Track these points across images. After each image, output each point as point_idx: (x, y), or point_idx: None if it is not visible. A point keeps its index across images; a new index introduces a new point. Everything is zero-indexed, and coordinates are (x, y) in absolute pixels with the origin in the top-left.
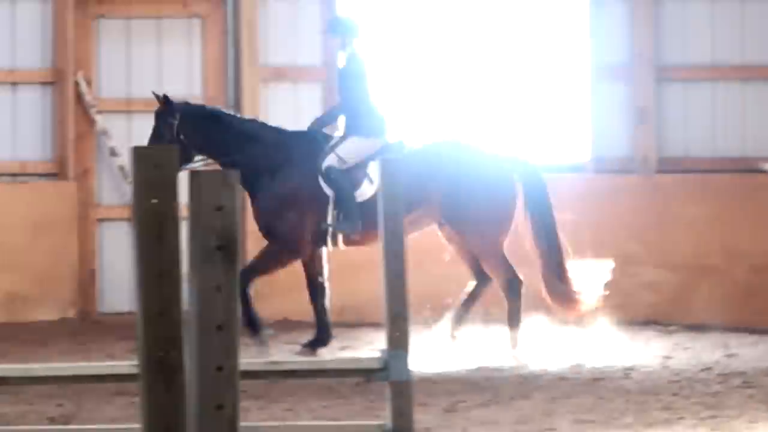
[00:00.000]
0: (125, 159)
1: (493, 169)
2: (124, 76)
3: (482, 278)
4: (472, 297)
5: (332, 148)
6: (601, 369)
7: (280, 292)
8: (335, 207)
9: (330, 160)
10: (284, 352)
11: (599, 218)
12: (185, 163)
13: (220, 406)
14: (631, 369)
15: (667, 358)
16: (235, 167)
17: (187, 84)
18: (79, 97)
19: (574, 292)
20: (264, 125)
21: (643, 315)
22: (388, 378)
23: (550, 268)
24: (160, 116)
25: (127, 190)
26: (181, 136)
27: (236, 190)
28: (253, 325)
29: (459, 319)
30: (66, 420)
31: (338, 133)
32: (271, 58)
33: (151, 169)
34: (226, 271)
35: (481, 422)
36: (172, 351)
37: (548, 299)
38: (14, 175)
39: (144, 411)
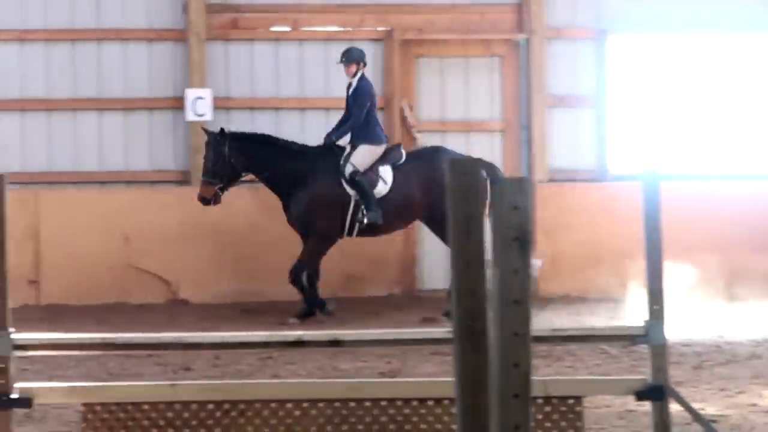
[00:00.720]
0: None
1: None
2: (438, 103)
3: None
4: None
5: (347, 158)
6: None
7: (566, 272)
8: (361, 203)
9: (348, 168)
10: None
11: None
12: (234, 180)
13: (517, 364)
14: None
15: None
16: (273, 179)
17: (489, 110)
18: (403, 119)
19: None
20: (293, 143)
21: None
22: (649, 342)
23: None
24: (212, 144)
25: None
26: (232, 159)
27: (529, 193)
28: (313, 305)
29: None
30: (393, 374)
31: (348, 143)
32: (555, 88)
33: (462, 177)
34: (521, 257)
35: (722, 377)
36: (478, 320)
37: None
38: None
39: (456, 368)
